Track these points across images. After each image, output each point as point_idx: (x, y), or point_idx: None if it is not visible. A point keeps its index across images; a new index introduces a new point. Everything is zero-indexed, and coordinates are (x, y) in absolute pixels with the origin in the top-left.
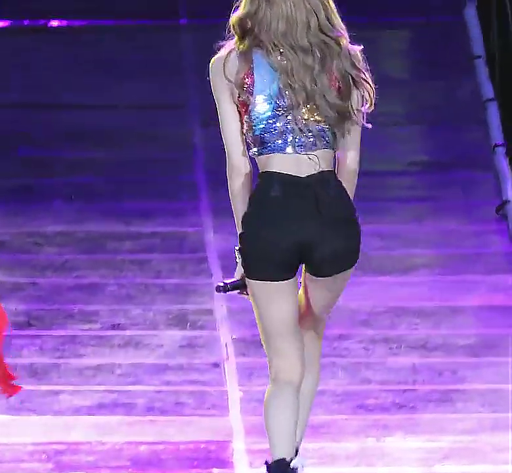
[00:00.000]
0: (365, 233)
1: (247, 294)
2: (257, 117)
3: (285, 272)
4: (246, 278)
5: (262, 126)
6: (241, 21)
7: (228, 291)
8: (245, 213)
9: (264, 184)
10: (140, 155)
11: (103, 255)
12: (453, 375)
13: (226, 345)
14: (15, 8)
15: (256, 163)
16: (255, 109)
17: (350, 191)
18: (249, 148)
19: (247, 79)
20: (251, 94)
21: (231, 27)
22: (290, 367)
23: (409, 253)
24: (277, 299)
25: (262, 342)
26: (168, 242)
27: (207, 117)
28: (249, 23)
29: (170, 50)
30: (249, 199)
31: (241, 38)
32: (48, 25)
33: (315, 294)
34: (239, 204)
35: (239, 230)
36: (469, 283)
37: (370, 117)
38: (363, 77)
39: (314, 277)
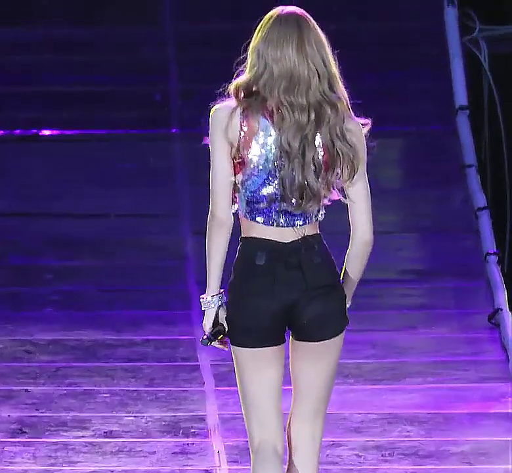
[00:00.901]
0: (357, 341)
1: (222, 343)
2: (249, 181)
3: (270, 338)
4: (231, 345)
5: (252, 189)
6: (248, 84)
7: (212, 341)
8: (230, 281)
9: (248, 252)
10: (131, 263)
11: (95, 362)
12: None
13: (218, 452)
14: (7, 118)
15: (239, 219)
16: (249, 172)
17: (358, 269)
18: (233, 202)
19: (246, 144)
20: (247, 158)
21: (233, 91)
22: (273, 437)
23: (401, 361)
24: (262, 366)
25: (243, 411)
26: (160, 350)
27: (199, 225)
28: (255, 85)
29: (162, 159)
30: (233, 267)
31: (246, 98)
32: (40, 134)
33: (304, 368)
34: (213, 254)
35: (210, 280)
36: (462, 391)
37: None
38: (348, 152)
39: (301, 343)
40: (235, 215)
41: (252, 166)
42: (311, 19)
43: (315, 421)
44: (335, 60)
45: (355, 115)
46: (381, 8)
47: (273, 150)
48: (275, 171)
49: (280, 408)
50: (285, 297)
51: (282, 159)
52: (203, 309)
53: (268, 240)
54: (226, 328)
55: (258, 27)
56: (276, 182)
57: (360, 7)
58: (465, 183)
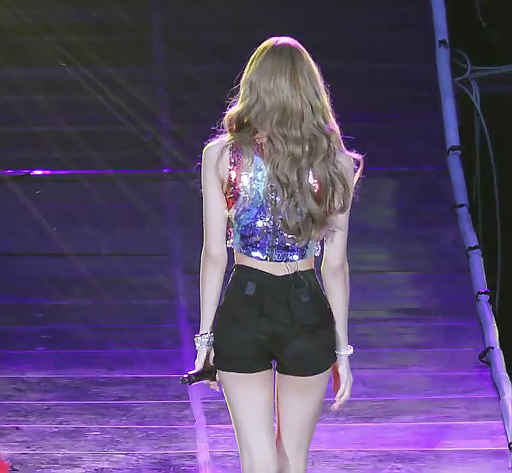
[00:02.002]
0: None
1: (212, 382)
2: (242, 215)
3: (255, 365)
4: (218, 371)
5: (245, 223)
6: (239, 115)
7: (192, 382)
8: (219, 307)
9: (239, 280)
10: (122, 302)
11: (86, 400)
12: None
13: None
14: None
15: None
16: (240, 206)
17: (338, 287)
18: (227, 238)
19: (237, 178)
20: (239, 192)
21: (226, 122)
22: (263, 459)
23: (392, 398)
24: (248, 390)
25: (235, 433)
26: (151, 388)
27: (189, 265)
28: (246, 117)
29: (153, 198)
30: (225, 293)
31: (236, 131)
32: (31, 174)
33: (288, 402)
34: (207, 293)
35: (203, 319)
36: (453, 428)
37: (355, 265)
38: (340, 184)
39: (285, 376)
40: (231, 250)
41: (243, 200)
42: (304, 51)
43: (297, 456)
44: (327, 93)
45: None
46: (372, 48)
47: (264, 184)
48: (267, 205)
49: (271, 429)
50: (271, 329)
51: (273, 193)
52: (196, 348)
53: (260, 271)
54: (215, 370)
55: (252, 58)
56: (268, 216)
57: (352, 47)
58: (456, 223)
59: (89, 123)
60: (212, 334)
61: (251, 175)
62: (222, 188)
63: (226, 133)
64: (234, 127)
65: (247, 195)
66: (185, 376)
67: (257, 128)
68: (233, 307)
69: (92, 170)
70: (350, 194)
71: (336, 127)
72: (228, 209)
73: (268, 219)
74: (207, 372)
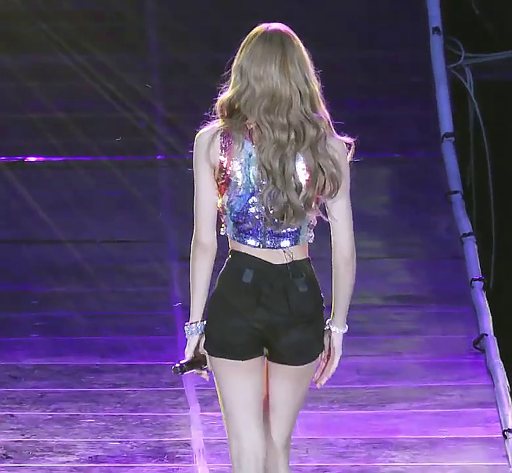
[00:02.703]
0: (342, 367)
1: (202, 371)
2: (233, 201)
3: (248, 352)
4: (210, 357)
5: (237, 210)
6: (230, 101)
7: (185, 371)
8: (213, 294)
9: (235, 266)
10: (116, 289)
11: (80, 388)
12: None
13: None
14: None
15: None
16: (232, 192)
17: (346, 291)
18: (221, 226)
19: (228, 164)
20: (230, 178)
21: (218, 108)
22: (251, 446)
23: (386, 386)
24: (239, 377)
25: (223, 420)
26: (145, 376)
27: (184, 252)
28: (237, 103)
29: (147, 185)
30: (219, 278)
31: (228, 117)
32: (25, 160)
33: (280, 390)
34: (197, 281)
35: (193, 307)
36: (448, 416)
37: None
38: (331, 168)
39: (277, 365)
40: (225, 238)
41: (234, 186)
42: (296, 37)
43: (287, 443)
44: (317, 80)
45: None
46: (366, 35)
47: (254, 170)
48: (258, 191)
49: (260, 417)
50: (267, 319)
51: (263, 179)
52: (186, 336)
53: (257, 258)
54: (206, 358)
55: (243, 44)
56: (260, 202)
57: (346, 34)
58: (450, 209)
59: (83, 110)
60: (202, 322)
61: (242, 160)
62: (213, 175)
63: (218, 119)
64: (226, 113)
65: (238, 181)
66: (177, 365)
67: (247, 114)
68: (228, 294)
69: (87, 157)
70: (342, 178)
71: (326, 114)
72: (221, 196)
73: (258, 205)
74: (198, 362)
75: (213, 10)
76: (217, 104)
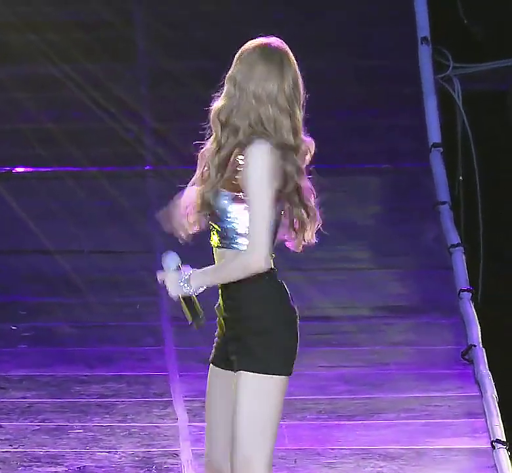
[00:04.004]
0: (330, 377)
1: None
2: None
3: None
4: (282, 377)
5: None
6: (220, 112)
7: (202, 324)
8: (293, 317)
9: (287, 291)
10: (104, 300)
11: (68, 398)
12: None
13: None
14: None
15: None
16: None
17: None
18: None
19: None
20: None
21: (211, 122)
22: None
23: (374, 396)
24: None
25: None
26: (133, 386)
27: None
28: (227, 114)
29: (136, 196)
30: (285, 301)
31: (220, 132)
32: (13, 171)
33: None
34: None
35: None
36: (435, 426)
37: (338, 263)
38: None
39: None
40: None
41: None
42: (292, 56)
43: None
44: (304, 101)
45: (329, 151)
46: (355, 46)
47: None
48: None
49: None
50: None
51: None
52: (184, 291)
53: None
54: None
55: (239, 55)
56: None
57: (335, 44)
58: (438, 220)
59: (72, 120)
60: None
61: None
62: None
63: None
64: (220, 126)
65: None
66: (201, 321)
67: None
68: (295, 313)
69: (75, 167)
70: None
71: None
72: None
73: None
74: (199, 313)
75: (202, 19)
76: (211, 114)
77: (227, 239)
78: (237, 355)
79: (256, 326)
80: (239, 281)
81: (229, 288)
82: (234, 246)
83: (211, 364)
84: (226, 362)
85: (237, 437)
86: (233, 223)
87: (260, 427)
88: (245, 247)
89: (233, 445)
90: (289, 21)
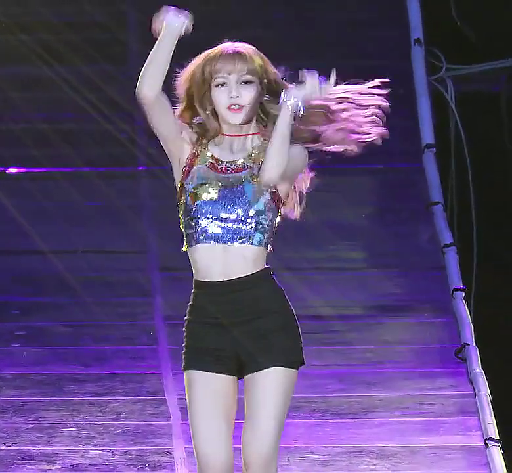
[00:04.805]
0: (324, 376)
1: None
2: None
3: None
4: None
5: None
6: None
7: None
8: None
9: None
10: (97, 299)
11: (62, 397)
12: None
13: None
14: None
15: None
16: None
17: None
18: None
19: None
20: None
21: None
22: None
23: (368, 395)
24: None
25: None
26: (127, 385)
27: (166, 262)
28: None
29: (129, 196)
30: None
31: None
32: (6, 171)
33: None
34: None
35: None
36: (429, 424)
37: (331, 263)
38: None
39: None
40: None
41: None
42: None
43: None
44: None
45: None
46: (347, 46)
47: None
48: None
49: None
50: None
51: None
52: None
53: None
54: None
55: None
56: None
57: (327, 45)
58: (431, 220)
59: (65, 120)
60: None
61: None
62: None
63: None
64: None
65: None
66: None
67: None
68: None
69: (68, 168)
70: None
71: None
72: None
73: None
74: None
75: (195, 20)
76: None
77: None
78: (266, 353)
79: (282, 321)
80: (254, 280)
81: (241, 290)
82: None
83: (199, 371)
84: (228, 366)
85: (268, 432)
86: None
87: (282, 421)
88: None
89: (261, 438)
90: (280, 22)
